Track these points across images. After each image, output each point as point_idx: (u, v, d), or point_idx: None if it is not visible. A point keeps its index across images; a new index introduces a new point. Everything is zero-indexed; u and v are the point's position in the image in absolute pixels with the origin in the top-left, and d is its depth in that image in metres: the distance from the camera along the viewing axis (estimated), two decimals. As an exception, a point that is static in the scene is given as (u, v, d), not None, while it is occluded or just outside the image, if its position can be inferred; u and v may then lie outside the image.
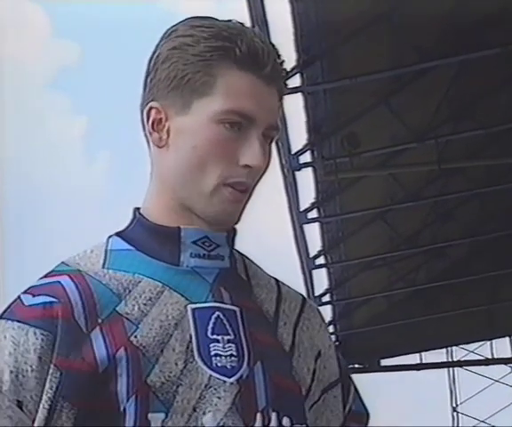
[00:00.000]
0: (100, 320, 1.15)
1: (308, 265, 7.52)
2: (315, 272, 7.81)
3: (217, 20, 1.24)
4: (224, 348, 1.17)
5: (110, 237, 1.26)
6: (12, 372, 1.13)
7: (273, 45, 1.25)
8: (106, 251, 1.23)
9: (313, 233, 7.23)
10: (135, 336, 1.14)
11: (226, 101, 1.19)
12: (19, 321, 1.15)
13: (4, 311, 1.18)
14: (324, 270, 7.99)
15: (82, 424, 1.11)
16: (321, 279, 8.06)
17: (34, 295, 1.18)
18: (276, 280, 1.31)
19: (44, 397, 1.11)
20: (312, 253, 7.46)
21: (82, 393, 1.12)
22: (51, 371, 1.12)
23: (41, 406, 1.11)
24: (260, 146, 1.20)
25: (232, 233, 1.26)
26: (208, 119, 1.19)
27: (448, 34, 5.09)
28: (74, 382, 1.12)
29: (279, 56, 1.25)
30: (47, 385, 1.11)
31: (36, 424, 1.11)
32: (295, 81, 5.36)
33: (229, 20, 1.24)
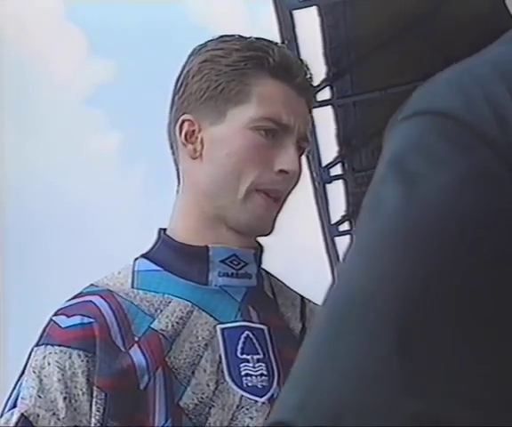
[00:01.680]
0: (136, 338, 1.15)
1: (339, 278, 7.48)
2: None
3: (243, 36, 1.25)
4: (254, 367, 1.17)
5: (136, 259, 1.26)
6: (65, 398, 1.12)
7: (301, 59, 1.26)
8: (133, 272, 1.23)
9: (344, 245, 7.20)
10: (169, 357, 1.14)
11: (261, 108, 1.19)
12: (59, 345, 1.15)
13: (40, 337, 1.18)
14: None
15: None
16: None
17: (68, 316, 1.17)
18: (302, 297, 1.31)
19: (93, 420, 1.11)
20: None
21: (128, 410, 1.12)
22: (95, 393, 1.12)
23: None
24: (296, 152, 1.20)
25: (259, 251, 1.25)
26: (243, 126, 1.19)
27: (479, 43, 5.05)
28: (119, 401, 1.12)
29: (308, 69, 1.26)
30: (94, 408, 1.11)
31: None
32: (325, 94, 5.36)
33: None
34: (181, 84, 1.24)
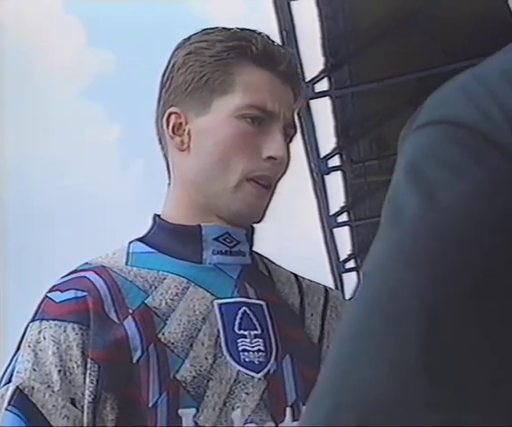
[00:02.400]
0: (130, 311, 1.16)
1: (338, 269, 7.50)
2: (345, 276, 7.79)
3: (227, 28, 1.26)
4: (251, 343, 1.18)
5: (131, 242, 1.27)
6: (60, 371, 1.12)
7: (284, 47, 1.27)
8: (128, 253, 1.25)
9: (343, 237, 7.22)
10: (163, 333, 1.15)
11: (246, 96, 1.20)
12: (54, 319, 1.16)
13: (36, 313, 1.19)
14: (354, 274, 7.97)
15: (125, 413, 1.12)
16: (351, 283, 8.05)
17: (62, 291, 1.18)
18: (296, 275, 1.32)
19: (87, 391, 1.12)
20: (342, 256, 7.44)
21: (121, 383, 1.13)
22: (89, 365, 1.12)
23: (85, 400, 1.12)
24: (283, 138, 1.21)
25: (251, 231, 1.27)
26: (229, 115, 1.20)
27: (477, 34, 5.06)
28: (112, 373, 1.13)
29: (291, 56, 1.27)
30: (87, 379, 1.12)
31: (85, 419, 1.11)
32: (323, 85, 5.35)
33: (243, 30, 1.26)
34: (167, 78, 1.26)
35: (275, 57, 1.22)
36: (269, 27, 4.51)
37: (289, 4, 4.58)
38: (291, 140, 1.25)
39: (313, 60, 5.13)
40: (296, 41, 4.72)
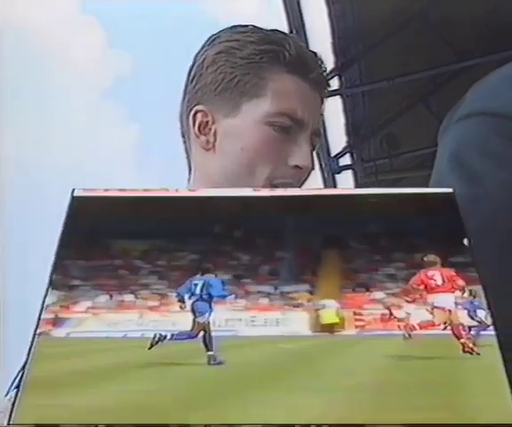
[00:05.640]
0: None
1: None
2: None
3: (258, 27, 1.24)
4: None
5: None
6: None
7: (315, 53, 1.25)
8: None
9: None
10: None
11: (277, 103, 1.19)
12: None
13: None
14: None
15: None
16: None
17: None
18: None
19: None
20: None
21: None
22: None
23: None
24: (309, 147, 1.20)
25: None
26: (258, 121, 1.19)
27: (487, 32, 5.04)
28: None
29: (322, 62, 1.25)
30: None
31: None
32: (333, 84, 5.34)
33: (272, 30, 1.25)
34: (195, 75, 1.24)
35: (307, 64, 1.21)
36: (279, 26, 4.51)
37: (298, 3, 4.57)
38: (314, 148, 1.25)
39: (323, 58, 5.11)
40: (306, 40, 4.71)
